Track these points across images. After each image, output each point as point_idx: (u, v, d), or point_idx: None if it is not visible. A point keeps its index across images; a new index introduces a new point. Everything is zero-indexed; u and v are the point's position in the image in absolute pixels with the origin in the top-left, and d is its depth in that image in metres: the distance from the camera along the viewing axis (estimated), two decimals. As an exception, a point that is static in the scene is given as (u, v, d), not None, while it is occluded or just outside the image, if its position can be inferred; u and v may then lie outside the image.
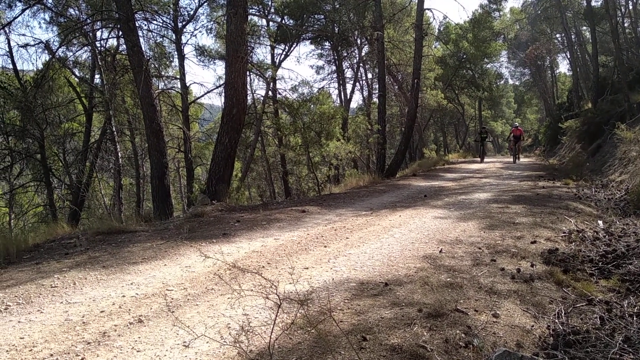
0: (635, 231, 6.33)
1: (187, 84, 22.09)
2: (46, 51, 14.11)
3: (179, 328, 3.51)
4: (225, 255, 5.42)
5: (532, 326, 3.65)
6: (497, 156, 38.20)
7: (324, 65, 29.98)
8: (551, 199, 9.65)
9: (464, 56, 33.02)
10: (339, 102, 28.42)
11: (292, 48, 24.58)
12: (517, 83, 52.59)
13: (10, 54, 15.98)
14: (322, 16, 24.96)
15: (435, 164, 23.25)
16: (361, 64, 28.40)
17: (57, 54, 14.36)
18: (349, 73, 29.96)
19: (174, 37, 20.85)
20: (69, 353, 3.19)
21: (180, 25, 20.86)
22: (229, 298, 4.09)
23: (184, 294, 4.28)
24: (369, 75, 30.17)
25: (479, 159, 25.56)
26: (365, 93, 30.66)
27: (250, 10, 17.35)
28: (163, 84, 20.87)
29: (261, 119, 21.78)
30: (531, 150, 42.59)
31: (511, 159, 24.21)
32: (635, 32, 26.30)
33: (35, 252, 6.12)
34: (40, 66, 15.48)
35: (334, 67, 28.89)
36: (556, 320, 3.70)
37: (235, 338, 3.20)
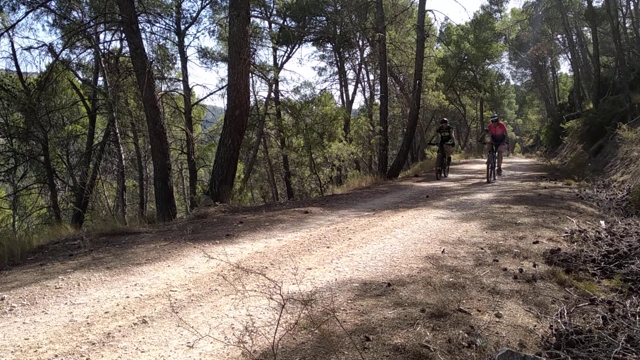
0: (637, 231, 6.33)
1: (190, 86, 22.22)
2: (49, 54, 14.16)
3: (183, 329, 3.53)
4: (228, 256, 5.43)
5: (535, 326, 3.66)
6: None
7: (325, 66, 30.03)
8: (553, 199, 9.65)
9: (466, 57, 33.05)
10: (341, 103, 28.48)
11: (294, 50, 24.69)
12: (518, 84, 52.50)
13: (14, 56, 16.07)
14: (324, 18, 25.03)
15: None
16: (363, 66, 28.44)
17: (60, 56, 14.40)
18: (350, 74, 30.03)
19: (176, 39, 20.98)
20: (73, 354, 3.21)
21: (182, 27, 20.99)
22: (232, 299, 4.11)
23: (188, 295, 4.30)
24: (371, 77, 30.25)
25: (481, 160, 24.99)
26: (367, 94, 30.74)
27: (253, 12, 17.40)
28: (166, 86, 20.96)
29: (263, 121, 21.82)
30: (533, 150, 42.57)
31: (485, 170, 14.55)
32: (637, 32, 26.27)
33: (39, 253, 6.14)
34: (43, 68, 15.54)
35: (335, 69, 28.96)
36: (559, 320, 3.71)
37: (239, 338, 3.22)
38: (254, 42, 20.46)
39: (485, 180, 13.71)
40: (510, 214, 8.00)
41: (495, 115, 15.09)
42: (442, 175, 15.63)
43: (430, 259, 5.27)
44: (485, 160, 14.91)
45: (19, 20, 14.58)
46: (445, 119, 17.29)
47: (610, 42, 24.90)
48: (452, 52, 33.21)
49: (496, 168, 13.75)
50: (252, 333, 3.25)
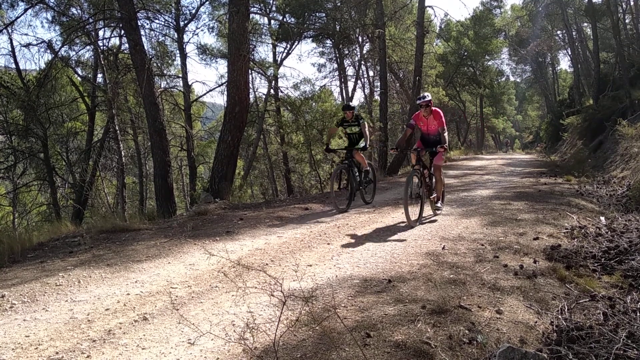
0: (637, 227, 6.33)
1: (190, 83, 22.16)
2: (49, 50, 14.17)
3: (184, 325, 3.54)
4: (229, 252, 5.43)
5: (536, 322, 3.66)
6: (498, 153, 38.20)
7: (325, 63, 29.93)
8: (553, 195, 9.65)
9: (465, 53, 33.05)
10: (340, 99, 28.37)
11: (293, 46, 24.58)
12: (518, 80, 52.52)
13: (12, 53, 16.07)
14: (324, 14, 24.97)
15: (437, 161, 23.19)
16: (362, 62, 28.35)
17: (59, 53, 14.44)
18: (350, 71, 29.95)
19: (176, 35, 20.90)
20: (74, 351, 3.21)
21: (182, 24, 20.92)
22: (233, 295, 4.11)
23: (189, 292, 4.30)
24: (371, 73, 30.13)
25: (482, 156, 24.77)
26: (367, 91, 30.63)
27: (252, 9, 17.34)
28: (165, 82, 20.92)
29: (263, 117, 21.79)
30: (532, 147, 42.60)
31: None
32: (637, 28, 26.22)
33: (39, 250, 6.14)
34: (42, 65, 15.55)
35: (335, 65, 28.87)
36: (559, 316, 3.71)
37: (240, 335, 3.22)
38: (254, 39, 20.42)
39: (405, 221, 6.93)
40: (511, 210, 8.00)
41: (426, 95, 7.43)
42: (365, 201, 9.13)
43: (431, 255, 5.27)
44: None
45: (17, 17, 14.58)
46: (350, 104, 10.27)
47: (610, 38, 24.89)
48: (451, 48, 33.22)
49: (433, 196, 7.54)
50: (253, 330, 3.25)
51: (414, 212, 6.91)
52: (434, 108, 7.44)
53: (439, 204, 7.68)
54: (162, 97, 17.73)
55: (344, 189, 8.93)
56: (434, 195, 7.54)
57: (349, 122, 8.91)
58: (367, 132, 8.88)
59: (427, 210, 7.62)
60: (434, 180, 7.50)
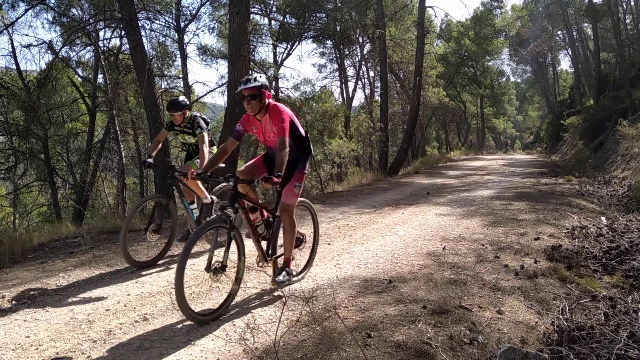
0: (638, 227, 6.33)
1: (190, 83, 22.17)
2: (49, 51, 14.14)
3: (184, 326, 3.54)
4: (229, 253, 5.42)
5: (537, 322, 3.65)
6: (498, 153, 38.21)
7: (325, 63, 29.91)
8: (554, 195, 9.64)
9: (466, 54, 33.03)
10: (341, 100, 28.37)
11: (294, 47, 24.58)
12: (518, 80, 52.45)
13: (13, 54, 16.06)
14: (324, 14, 24.96)
15: (437, 161, 23.27)
16: (363, 62, 28.37)
17: (60, 53, 14.38)
18: (350, 71, 29.95)
19: (176, 36, 20.93)
20: (74, 351, 3.22)
21: (182, 24, 20.94)
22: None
23: (189, 292, 4.29)
24: (371, 74, 30.15)
25: (482, 156, 24.71)
26: (367, 91, 30.65)
27: (253, 9, 17.37)
28: (166, 83, 20.85)
29: (263, 118, 21.73)
30: (533, 147, 42.57)
31: None
32: (637, 28, 26.22)
33: (40, 251, 6.14)
34: (43, 66, 15.53)
35: (335, 66, 28.86)
36: (560, 317, 3.70)
37: (240, 335, 3.22)
38: (254, 39, 20.40)
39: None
40: (511, 210, 8.00)
41: (250, 78, 4.04)
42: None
43: (432, 255, 5.27)
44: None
45: (18, 18, 14.56)
46: (178, 99, 5.85)
47: (611, 38, 24.88)
48: (452, 48, 33.21)
49: (277, 257, 4.30)
50: (254, 330, 3.25)
51: (213, 296, 4.18)
52: (272, 102, 4.22)
53: (281, 276, 4.12)
54: (162, 98, 17.71)
55: (153, 232, 5.48)
56: (279, 255, 4.34)
57: (180, 127, 5.80)
58: (205, 150, 5.44)
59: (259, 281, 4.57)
60: (280, 229, 4.36)
